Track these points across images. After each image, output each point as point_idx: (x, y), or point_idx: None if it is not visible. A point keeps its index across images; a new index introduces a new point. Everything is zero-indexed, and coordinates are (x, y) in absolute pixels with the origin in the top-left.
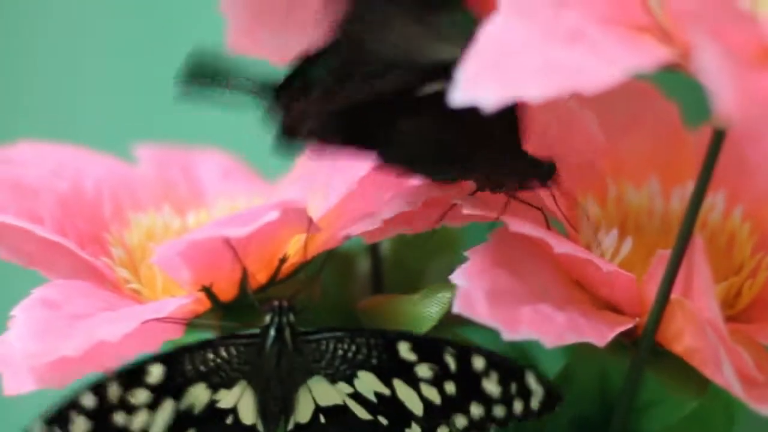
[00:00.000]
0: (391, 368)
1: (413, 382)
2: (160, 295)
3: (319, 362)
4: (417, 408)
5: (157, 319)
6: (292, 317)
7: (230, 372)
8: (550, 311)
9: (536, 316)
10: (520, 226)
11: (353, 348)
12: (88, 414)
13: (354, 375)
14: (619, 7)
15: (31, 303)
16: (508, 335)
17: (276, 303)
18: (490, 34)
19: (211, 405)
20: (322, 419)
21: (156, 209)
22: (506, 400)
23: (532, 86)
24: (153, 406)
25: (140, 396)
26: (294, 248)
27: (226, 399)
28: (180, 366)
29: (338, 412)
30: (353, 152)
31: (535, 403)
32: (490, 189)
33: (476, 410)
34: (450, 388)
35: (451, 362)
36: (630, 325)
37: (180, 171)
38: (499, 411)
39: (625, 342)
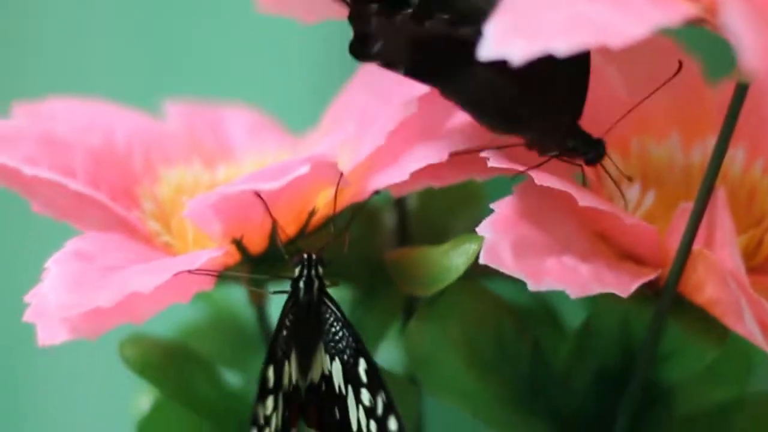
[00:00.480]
0: (351, 374)
1: (357, 401)
2: (190, 248)
3: (323, 326)
4: (354, 424)
5: (189, 271)
6: (320, 270)
7: (290, 336)
8: (575, 263)
9: (561, 268)
10: (546, 179)
11: (340, 334)
12: None
13: (333, 358)
14: None
15: (65, 255)
16: (533, 286)
17: (305, 255)
18: None
19: (290, 377)
20: (324, 386)
21: (185, 163)
22: None
23: (559, 40)
24: (275, 405)
25: (269, 404)
26: (323, 201)
27: (291, 365)
28: (276, 357)
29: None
30: (414, 80)
31: None
32: (538, 150)
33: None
34: (372, 427)
35: (379, 407)
36: (652, 277)
37: (208, 126)
38: None
39: (647, 293)
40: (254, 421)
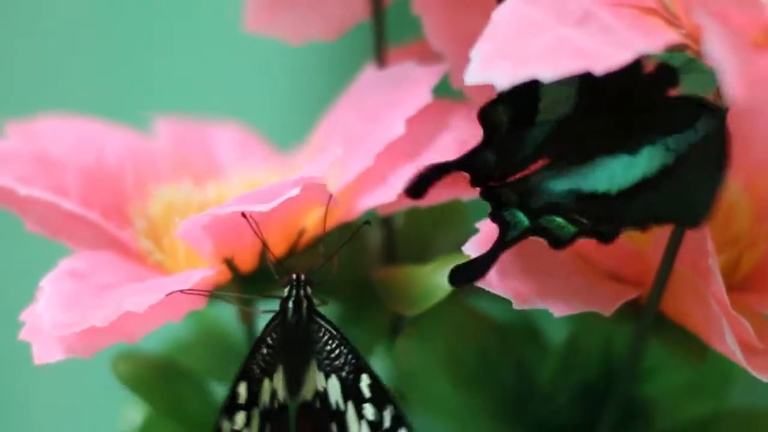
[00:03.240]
0: (351, 390)
1: (360, 416)
2: (182, 266)
3: (316, 345)
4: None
5: (182, 291)
6: (309, 290)
7: (274, 354)
8: (558, 282)
9: (545, 287)
10: None
11: (336, 351)
12: None
13: (329, 375)
14: None
15: (59, 274)
16: (518, 305)
17: (294, 276)
18: (503, 16)
19: (273, 394)
20: (318, 404)
21: (176, 181)
22: None
23: (544, 67)
24: (248, 423)
25: (239, 420)
26: (312, 221)
27: (275, 383)
28: (252, 373)
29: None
30: None
31: None
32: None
33: None
34: None
35: (387, 420)
36: (634, 296)
37: (197, 143)
38: None
39: (628, 311)
40: None
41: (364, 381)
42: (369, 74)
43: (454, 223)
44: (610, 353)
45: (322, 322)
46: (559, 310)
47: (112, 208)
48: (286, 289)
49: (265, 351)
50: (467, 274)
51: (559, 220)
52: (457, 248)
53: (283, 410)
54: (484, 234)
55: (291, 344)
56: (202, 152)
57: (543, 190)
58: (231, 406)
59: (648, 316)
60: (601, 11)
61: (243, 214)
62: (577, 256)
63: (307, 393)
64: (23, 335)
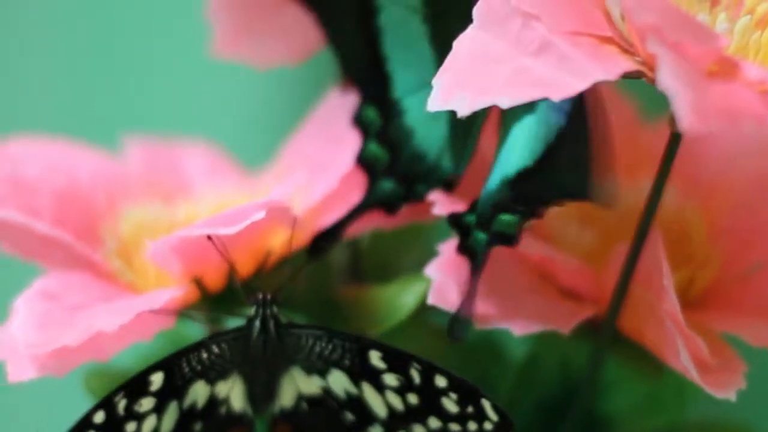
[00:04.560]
0: (361, 372)
1: (380, 388)
2: (152, 285)
3: (298, 354)
4: (381, 411)
5: (151, 311)
6: (275, 309)
7: (225, 365)
8: (518, 301)
9: (505, 307)
10: None
11: (329, 347)
12: (101, 429)
13: (327, 371)
14: (584, 19)
15: (32, 295)
16: (479, 325)
17: (260, 296)
18: (464, 46)
19: (212, 398)
20: (305, 406)
21: (146, 201)
22: (462, 419)
23: (504, 95)
24: (159, 409)
25: (146, 404)
26: (279, 241)
27: (221, 390)
28: (178, 369)
29: (319, 401)
30: None
31: (488, 426)
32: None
33: (434, 423)
34: (412, 399)
35: (415, 376)
36: (591, 314)
37: (168, 164)
38: (454, 427)
39: (586, 328)
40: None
41: (374, 356)
42: (332, 99)
43: (417, 244)
44: (568, 369)
45: (301, 331)
46: (519, 329)
47: (84, 229)
48: (253, 309)
49: (205, 356)
50: (461, 325)
51: (505, 217)
52: (420, 267)
53: (233, 418)
54: (446, 257)
55: (256, 361)
56: (172, 172)
57: (485, 194)
58: (137, 390)
59: (605, 333)
60: (559, 41)
61: (209, 237)
62: (535, 275)
63: (285, 401)
64: None
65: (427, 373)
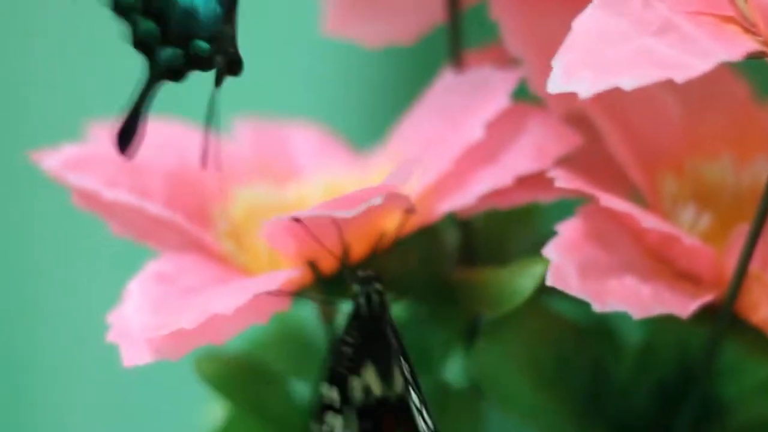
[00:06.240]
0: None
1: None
2: (265, 267)
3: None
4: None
5: (268, 292)
6: (379, 286)
7: (361, 353)
8: (637, 284)
9: (624, 290)
10: (611, 200)
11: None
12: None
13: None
14: None
15: (146, 277)
16: (597, 307)
17: (360, 273)
18: (584, 25)
19: (367, 390)
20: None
21: (256, 182)
22: None
23: (626, 76)
24: (346, 423)
25: (335, 423)
26: (393, 223)
27: (363, 380)
28: (338, 375)
29: None
30: None
31: None
32: None
33: None
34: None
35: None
36: (711, 299)
37: (276, 145)
38: None
39: (703, 312)
40: None
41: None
42: (446, 78)
43: (532, 224)
44: (686, 352)
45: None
46: (637, 312)
47: (194, 210)
48: (356, 287)
49: (348, 350)
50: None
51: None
52: (535, 249)
53: (382, 404)
54: (564, 237)
55: (373, 339)
56: (281, 153)
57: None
58: (321, 410)
59: (723, 317)
60: (681, 20)
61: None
62: (653, 257)
63: (397, 386)
64: (111, 337)
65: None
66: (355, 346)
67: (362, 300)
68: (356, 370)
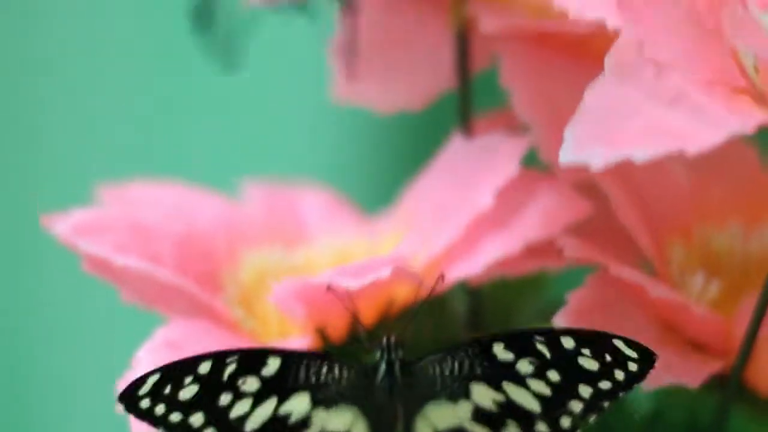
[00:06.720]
0: (496, 373)
1: (520, 380)
2: (274, 334)
3: (433, 387)
4: (534, 405)
5: None
6: (400, 352)
7: (335, 392)
8: None
9: None
10: (620, 269)
11: (457, 363)
12: (199, 380)
13: (468, 390)
14: (718, 70)
15: (155, 345)
16: None
17: (384, 340)
18: (595, 97)
19: (306, 419)
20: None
21: (265, 246)
22: (607, 372)
23: (638, 149)
24: (257, 398)
25: (250, 384)
26: (402, 292)
27: (333, 422)
28: (295, 368)
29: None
30: None
31: (633, 367)
32: None
33: (585, 391)
34: (554, 376)
35: (544, 350)
36: (720, 368)
37: (287, 208)
38: (605, 385)
39: (712, 381)
40: None
41: (499, 349)
42: (456, 144)
43: (540, 293)
44: (695, 420)
45: (423, 362)
46: (647, 382)
47: (204, 275)
48: (378, 353)
49: (324, 369)
50: None
51: None
52: (542, 317)
53: None
54: (574, 306)
55: (382, 407)
56: (291, 217)
57: None
58: (251, 364)
59: (732, 386)
60: (693, 91)
61: (329, 287)
62: (662, 326)
63: None
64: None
65: (552, 340)
66: (338, 383)
67: (384, 366)
68: (314, 397)
